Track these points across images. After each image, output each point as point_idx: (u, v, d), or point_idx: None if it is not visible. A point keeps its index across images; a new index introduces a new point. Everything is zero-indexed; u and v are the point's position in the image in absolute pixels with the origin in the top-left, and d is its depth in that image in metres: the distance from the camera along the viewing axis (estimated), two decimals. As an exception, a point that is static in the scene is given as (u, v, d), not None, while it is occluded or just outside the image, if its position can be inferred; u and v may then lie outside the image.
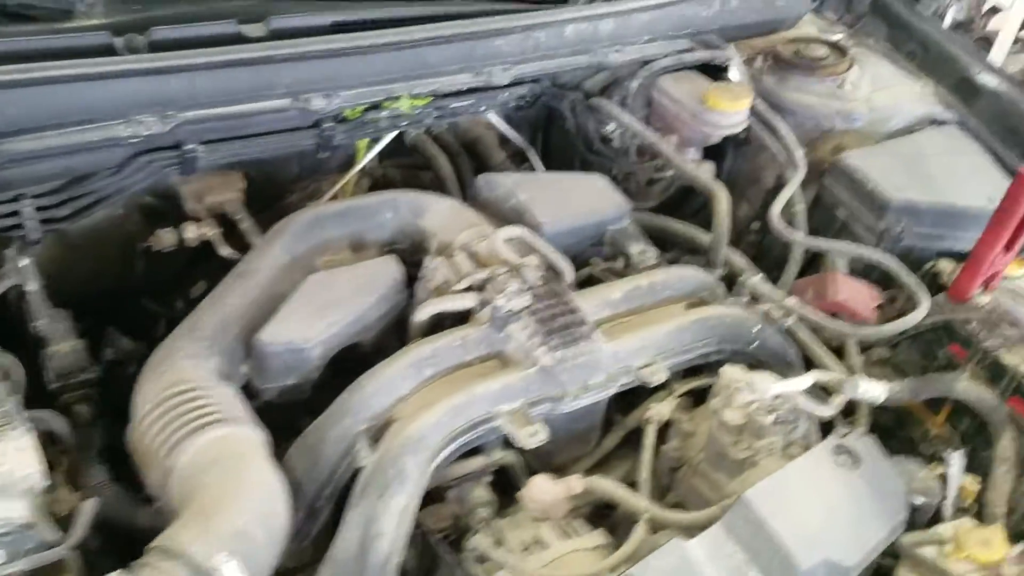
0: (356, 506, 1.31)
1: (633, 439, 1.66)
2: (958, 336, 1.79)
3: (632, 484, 1.65)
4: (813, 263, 2.08)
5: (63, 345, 1.51)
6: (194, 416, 1.30)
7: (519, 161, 2.32)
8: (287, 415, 1.52)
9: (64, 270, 1.72)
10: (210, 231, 1.81)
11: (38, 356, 1.52)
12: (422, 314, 1.58)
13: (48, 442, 1.34)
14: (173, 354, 1.43)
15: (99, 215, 1.73)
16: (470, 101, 2.03)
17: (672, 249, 2.09)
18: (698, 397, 1.68)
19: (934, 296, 1.87)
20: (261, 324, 1.48)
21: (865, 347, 1.92)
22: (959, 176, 2.05)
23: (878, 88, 2.26)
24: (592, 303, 1.65)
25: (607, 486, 1.45)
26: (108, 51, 1.60)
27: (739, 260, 2.02)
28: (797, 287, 1.98)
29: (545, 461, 1.61)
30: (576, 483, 1.43)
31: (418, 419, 1.38)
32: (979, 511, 1.63)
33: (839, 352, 1.84)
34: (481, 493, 1.50)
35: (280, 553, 1.24)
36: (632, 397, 1.68)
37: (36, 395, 1.46)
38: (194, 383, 1.36)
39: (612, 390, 1.56)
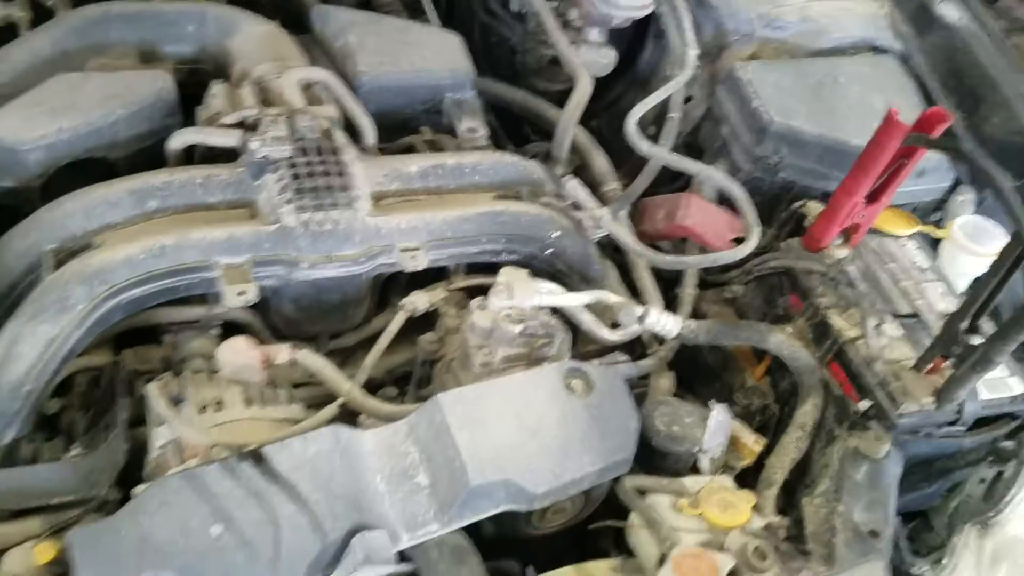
0: (8, 324, 1.22)
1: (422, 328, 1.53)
2: (799, 287, 1.60)
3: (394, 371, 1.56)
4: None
5: None
6: None
7: (416, 11, 2.10)
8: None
9: None
10: (18, 13, 1.66)
11: None
12: (175, 142, 1.43)
13: None
14: None
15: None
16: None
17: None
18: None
19: (789, 240, 1.68)
20: (-9, 113, 1.36)
21: (718, 283, 1.76)
22: (869, 113, 1.78)
23: (822, -3, 1.97)
24: (380, 172, 1.48)
25: (313, 361, 1.33)
26: None
27: (601, 163, 1.83)
28: (652, 204, 1.80)
29: (294, 328, 1.49)
30: (279, 352, 1.31)
31: (108, 251, 1.26)
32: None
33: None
34: (202, 344, 1.40)
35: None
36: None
37: None
38: None
39: (365, 267, 1.42)
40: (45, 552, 1.10)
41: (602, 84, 1.92)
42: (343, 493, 1.14)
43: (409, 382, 1.55)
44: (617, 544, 1.40)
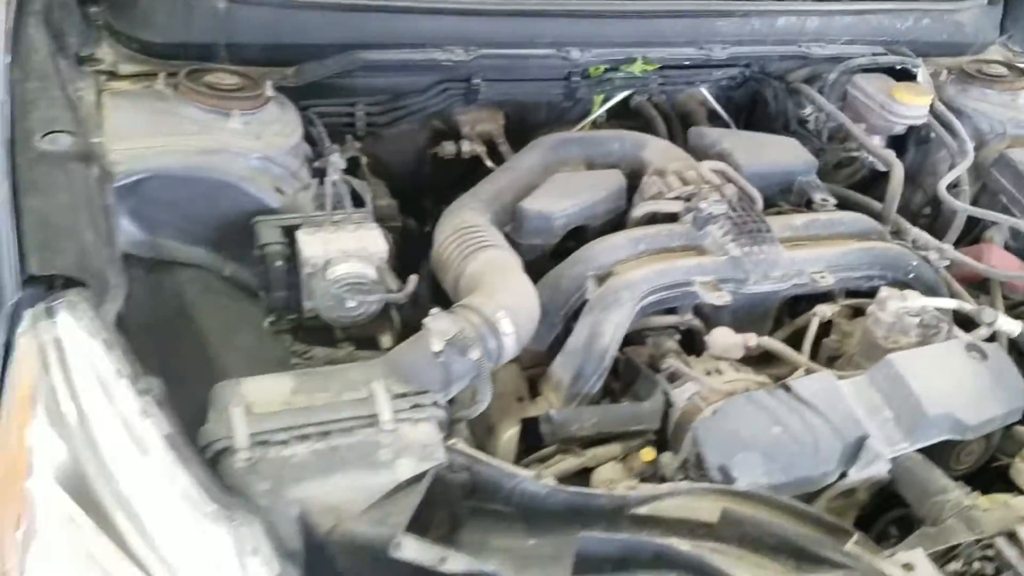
0: (585, 316, 1.78)
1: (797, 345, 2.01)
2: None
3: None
4: (973, 242, 2.38)
5: (383, 200, 2.06)
6: (479, 241, 1.81)
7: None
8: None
9: (375, 164, 2.29)
10: (479, 148, 2.35)
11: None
12: (639, 211, 2.04)
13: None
14: (463, 206, 1.98)
15: (404, 127, 2.32)
16: (688, 74, 2.50)
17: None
18: (858, 313, 2.03)
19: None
20: (520, 200, 2.00)
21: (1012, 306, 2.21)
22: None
23: (1051, 106, 2.54)
24: (777, 224, 2.04)
25: (776, 344, 1.84)
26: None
27: (907, 226, 2.36)
28: (954, 253, 2.30)
29: (724, 335, 2.00)
30: (750, 337, 1.82)
31: (633, 271, 1.84)
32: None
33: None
34: (672, 344, 1.91)
35: (527, 339, 1.69)
36: (802, 308, 2.06)
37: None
38: (477, 223, 1.88)
39: (787, 285, 1.94)
40: (648, 454, 1.59)
41: (873, 179, 2.49)
42: (846, 415, 1.61)
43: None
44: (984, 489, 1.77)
